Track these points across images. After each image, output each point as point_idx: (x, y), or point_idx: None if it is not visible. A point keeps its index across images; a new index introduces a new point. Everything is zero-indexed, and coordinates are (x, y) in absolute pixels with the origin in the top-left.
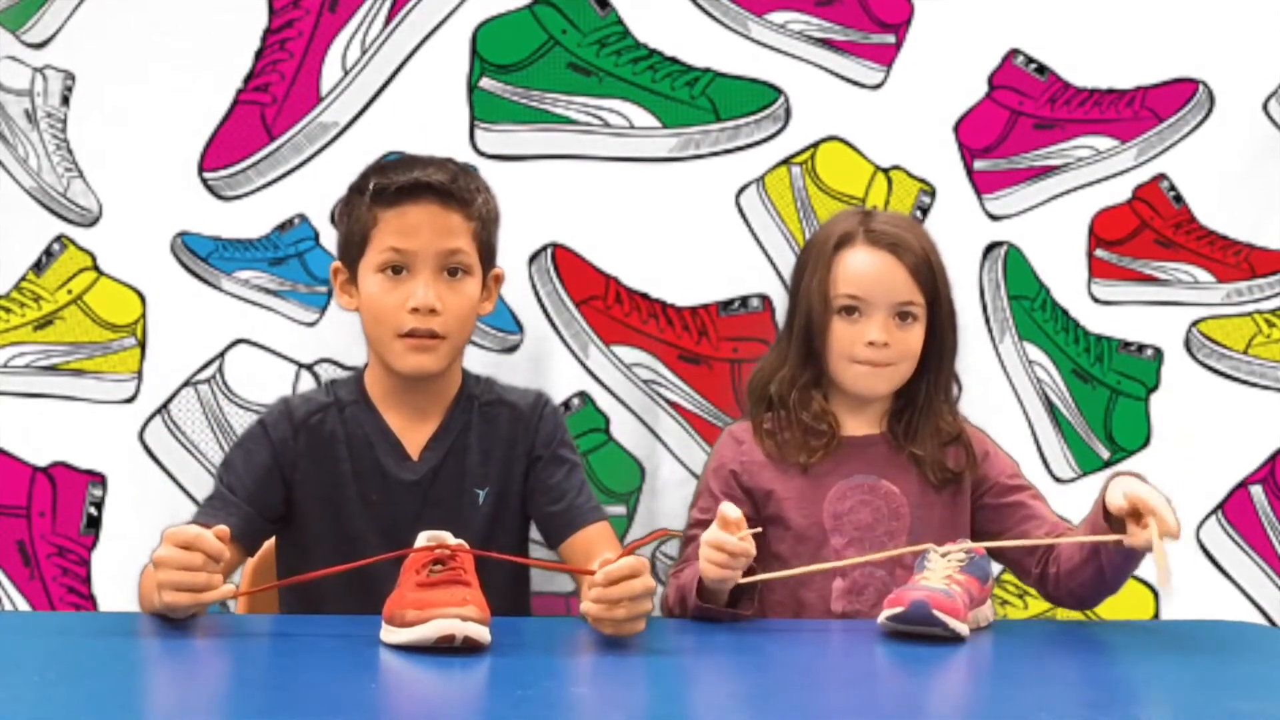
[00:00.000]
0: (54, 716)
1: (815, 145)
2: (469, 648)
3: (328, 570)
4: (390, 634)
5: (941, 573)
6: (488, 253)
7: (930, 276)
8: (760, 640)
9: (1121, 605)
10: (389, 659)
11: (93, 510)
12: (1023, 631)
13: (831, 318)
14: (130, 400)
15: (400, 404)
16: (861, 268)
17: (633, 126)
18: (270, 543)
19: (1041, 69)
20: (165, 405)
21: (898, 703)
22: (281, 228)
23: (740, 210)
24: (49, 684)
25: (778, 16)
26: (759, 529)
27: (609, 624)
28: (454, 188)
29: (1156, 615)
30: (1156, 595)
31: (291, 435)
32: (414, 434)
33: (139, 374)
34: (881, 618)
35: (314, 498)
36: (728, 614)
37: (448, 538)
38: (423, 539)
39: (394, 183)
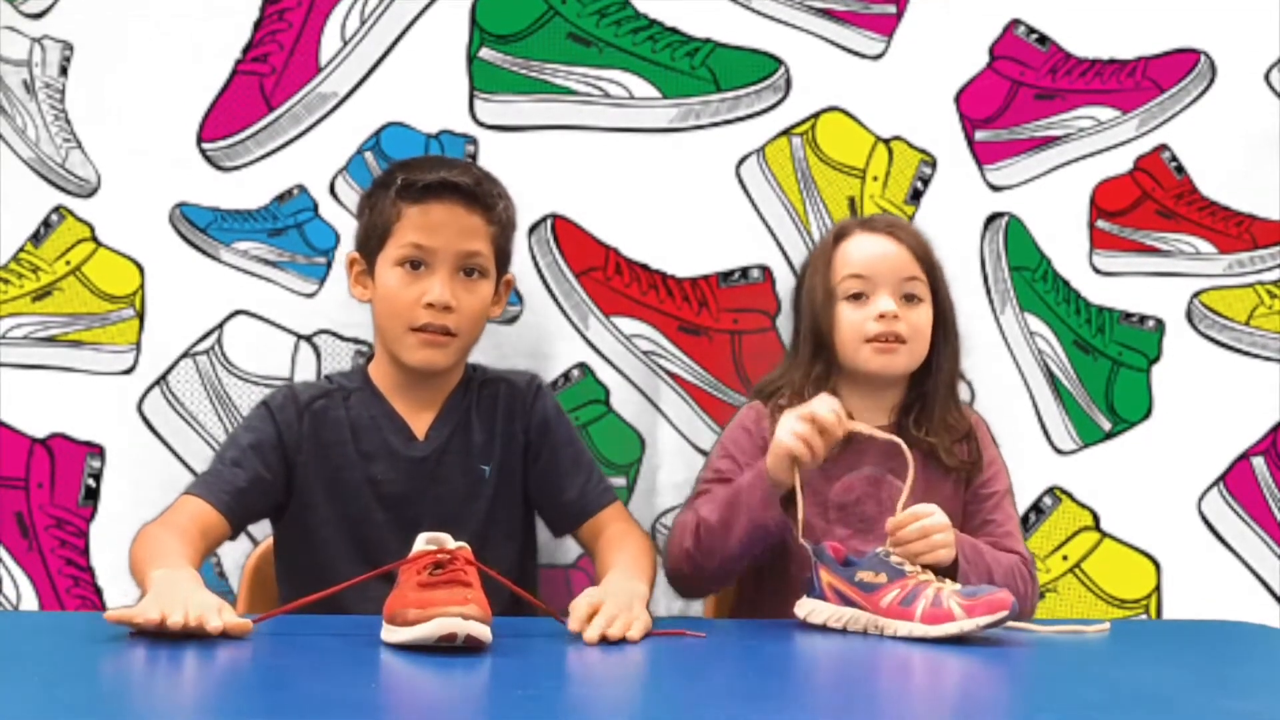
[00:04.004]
0: (54, 716)
1: (816, 116)
2: (470, 646)
3: (342, 585)
4: (391, 633)
5: (926, 571)
6: (503, 258)
7: (929, 262)
8: (760, 640)
9: (1124, 578)
10: (389, 659)
11: (91, 482)
12: (1021, 631)
13: (837, 305)
14: (129, 371)
15: (405, 394)
16: (863, 249)
17: (633, 97)
18: (269, 543)
19: (1043, 39)
20: (164, 376)
21: (897, 702)
22: (280, 198)
23: (740, 181)
24: (49, 684)
25: None
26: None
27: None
28: (478, 191)
29: (1159, 587)
30: (1158, 567)
31: (296, 418)
32: (419, 418)
33: (137, 345)
34: (974, 625)
35: (319, 480)
36: (775, 520)
37: (447, 540)
38: (421, 541)
39: (420, 179)
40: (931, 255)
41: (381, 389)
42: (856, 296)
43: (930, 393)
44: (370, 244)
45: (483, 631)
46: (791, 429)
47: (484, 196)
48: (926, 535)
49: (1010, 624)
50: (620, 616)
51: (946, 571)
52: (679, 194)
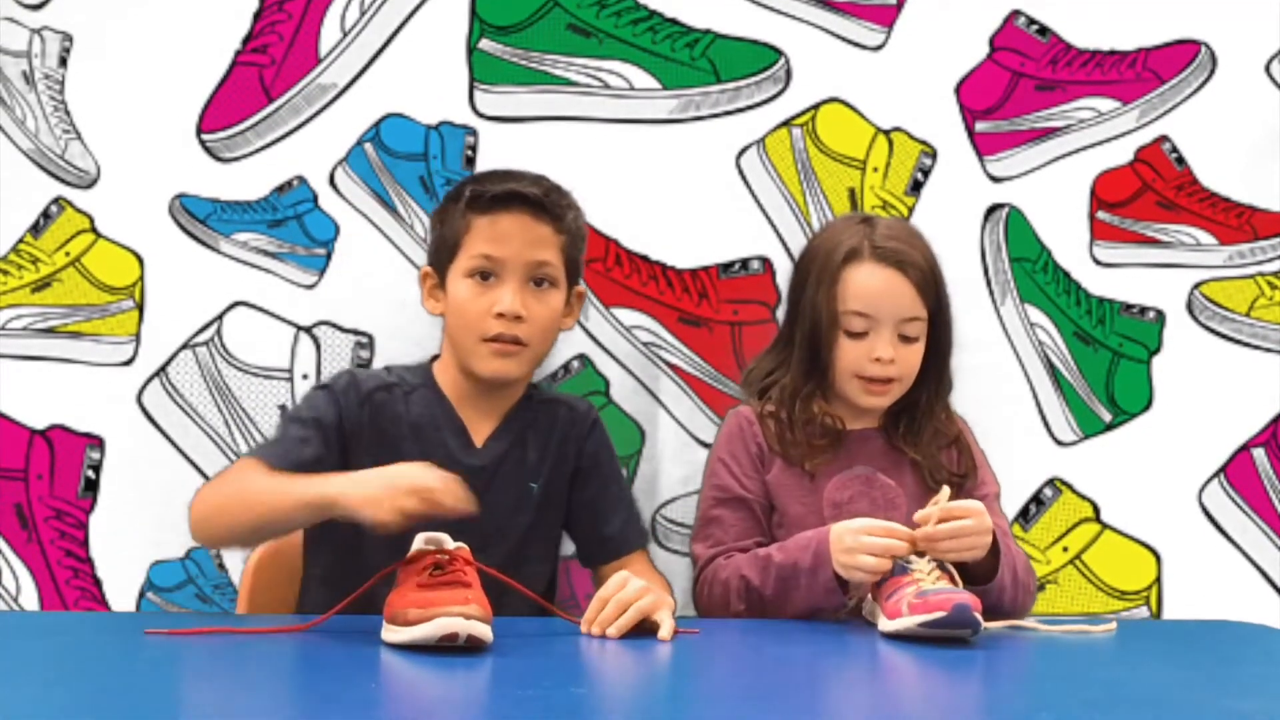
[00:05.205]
0: (54, 716)
1: (816, 107)
2: (471, 646)
3: (345, 602)
4: (392, 633)
5: (932, 574)
6: (573, 268)
7: (934, 289)
8: (760, 640)
9: (1124, 569)
10: (390, 659)
11: (90, 473)
12: (1022, 631)
13: (839, 335)
14: (128, 363)
15: (470, 401)
16: (869, 284)
17: (633, 88)
18: (272, 543)
19: (1043, 30)
20: (163, 368)
21: (897, 702)
22: (280, 189)
23: (741, 172)
24: (49, 684)
25: None
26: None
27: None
28: (547, 201)
29: (1159, 579)
30: (1159, 559)
31: (358, 405)
32: (479, 426)
33: (137, 336)
34: (914, 623)
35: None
36: (835, 602)
37: (445, 540)
38: (419, 541)
39: (489, 191)
40: (937, 279)
41: (446, 392)
42: (857, 328)
43: (921, 405)
44: (441, 257)
45: (484, 631)
46: (868, 566)
47: (552, 207)
48: (957, 536)
49: (1018, 623)
50: (641, 600)
51: (981, 566)
52: (679, 185)
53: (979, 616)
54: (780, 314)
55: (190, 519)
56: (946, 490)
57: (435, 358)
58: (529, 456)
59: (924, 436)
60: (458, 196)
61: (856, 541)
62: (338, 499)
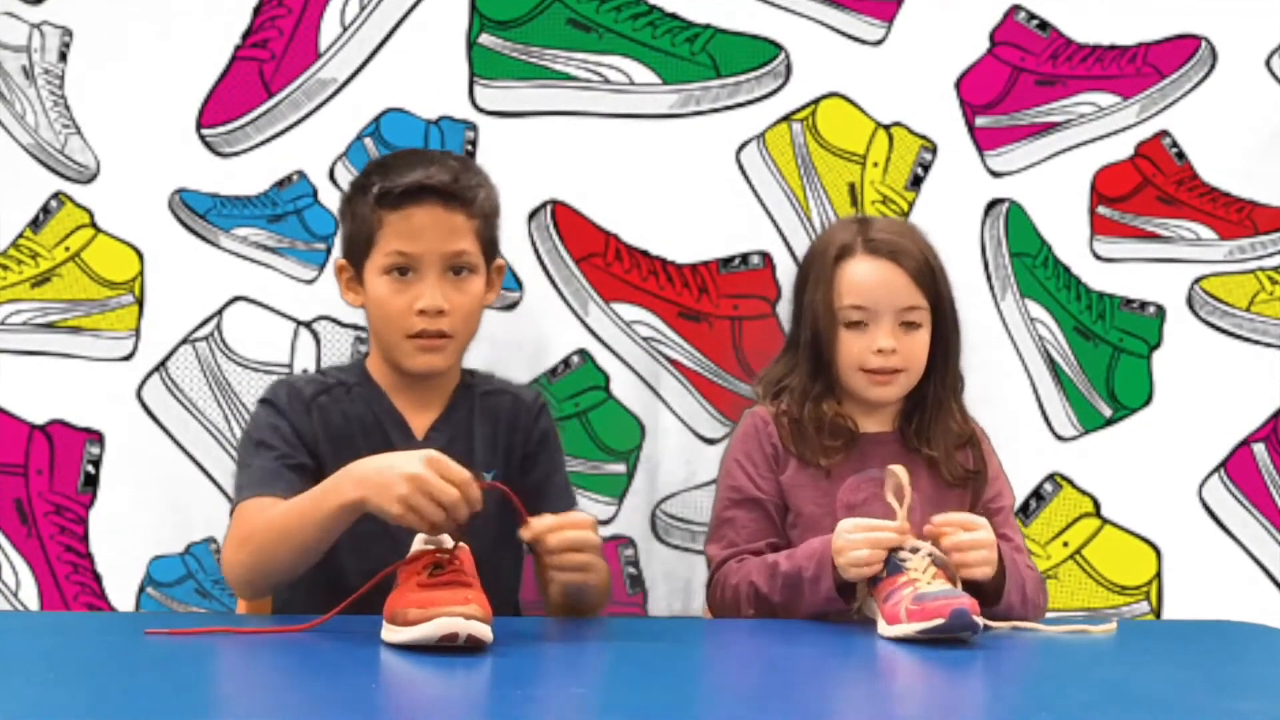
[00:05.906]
0: (54, 716)
1: (816, 102)
2: (471, 646)
3: (347, 601)
4: (392, 633)
5: (927, 571)
6: (490, 247)
7: (931, 279)
8: (762, 640)
9: (1124, 564)
10: (390, 659)
11: (90, 468)
12: (1022, 631)
13: (839, 330)
14: (128, 358)
15: (405, 393)
16: (864, 277)
17: (633, 83)
18: None
19: (1043, 25)
20: (163, 363)
21: (899, 702)
22: (280, 184)
23: (741, 167)
24: (49, 684)
25: None
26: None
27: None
28: (456, 188)
29: (1159, 574)
30: (1159, 554)
31: (304, 412)
32: (418, 418)
33: (137, 331)
34: (913, 630)
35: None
36: (838, 608)
37: (445, 539)
38: (419, 540)
39: (396, 185)
40: (934, 270)
41: (382, 386)
42: (857, 321)
43: (930, 399)
44: (355, 251)
45: (484, 631)
46: (861, 560)
47: (462, 192)
48: (961, 550)
49: (1017, 623)
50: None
51: (990, 584)
52: (679, 180)
53: (977, 619)
54: (781, 309)
55: (236, 583)
56: (901, 471)
57: (368, 354)
58: (477, 446)
59: (936, 432)
60: (365, 189)
61: (847, 540)
62: (366, 499)
